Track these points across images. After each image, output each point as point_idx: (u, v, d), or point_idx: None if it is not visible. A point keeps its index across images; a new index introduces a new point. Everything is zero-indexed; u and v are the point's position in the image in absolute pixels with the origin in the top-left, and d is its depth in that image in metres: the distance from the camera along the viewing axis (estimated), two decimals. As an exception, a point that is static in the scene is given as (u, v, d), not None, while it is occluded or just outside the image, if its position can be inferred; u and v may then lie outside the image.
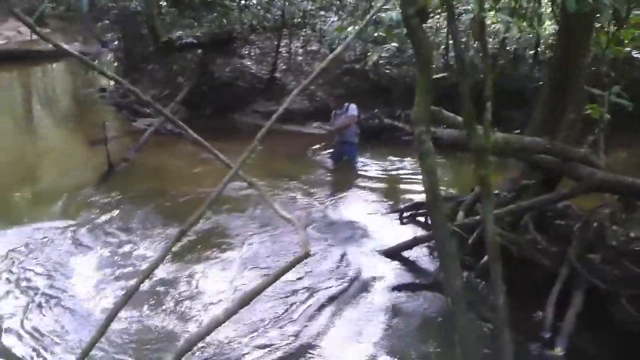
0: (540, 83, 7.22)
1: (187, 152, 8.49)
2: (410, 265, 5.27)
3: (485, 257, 4.81)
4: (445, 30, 10.86)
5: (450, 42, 10.54)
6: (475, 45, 10.05)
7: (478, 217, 5.21)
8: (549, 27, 9.83)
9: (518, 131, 5.95)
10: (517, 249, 4.84)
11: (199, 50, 11.38)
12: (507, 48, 10.35)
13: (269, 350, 3.89)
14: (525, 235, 4.99)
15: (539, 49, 10.30)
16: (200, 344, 3.22)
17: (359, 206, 6.67)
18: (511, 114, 8.61)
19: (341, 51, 3.08)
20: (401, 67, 10.79)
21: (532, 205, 4.94)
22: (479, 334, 4.04)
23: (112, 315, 2.12)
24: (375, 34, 10.01)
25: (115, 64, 14.40)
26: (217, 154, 2.93)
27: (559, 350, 3.88)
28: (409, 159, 8.56)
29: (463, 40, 9.71)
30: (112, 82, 13.56)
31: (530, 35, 10.06)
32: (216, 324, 2.15)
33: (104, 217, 6.09)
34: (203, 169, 7.74)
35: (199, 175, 7.65)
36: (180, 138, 9.00)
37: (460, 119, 4.93)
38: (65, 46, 2.47)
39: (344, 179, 7.84)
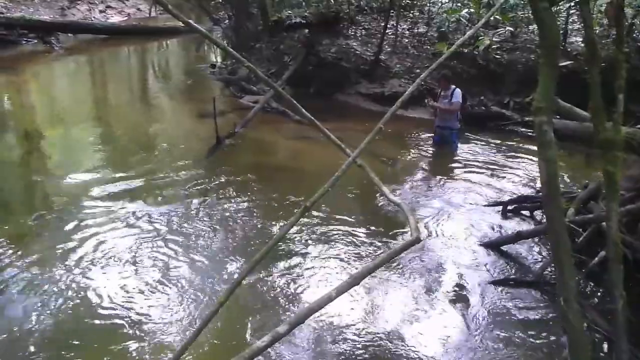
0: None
1: (291, 130, 8.70)
2: (510, 260, 5.08)
3: (596, 258, 4.56)
4: (565, 14, 10.22)
5: (570, 27, 9.93)
6: (597, 31, 9.38)
7: (592, 215, 4.92)
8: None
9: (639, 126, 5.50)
10: (632, 252, 4.52)
11: (306, 30, 11.53)
12: (634, 35, 9.56)
13: (360, 344, 3.96)
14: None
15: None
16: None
17: (459, 195, 6.48)
18: (634, 108, 8.00)
19: (474, 33, 2.99)
20: (513, 52, 10.31)
21: (654, 207, 4.59)
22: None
23: (235, 284, 2.24)
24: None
25: (225, 42, 14.95)
26: (329, 135, 2.97)
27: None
28: (513, 148, 8.21)
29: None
30: (220, 59, 14.14)
31: (664, 22, 9.25)
32: (327, 300, 2.22)
33: (214, 189, 6.40)
34: (305, 146, 7.89)
35: (301, 152, 7.81)
36: (284, 116, 9.23)
37: (578, 110, 4.66)
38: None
39: (444, 165, 7.66)
